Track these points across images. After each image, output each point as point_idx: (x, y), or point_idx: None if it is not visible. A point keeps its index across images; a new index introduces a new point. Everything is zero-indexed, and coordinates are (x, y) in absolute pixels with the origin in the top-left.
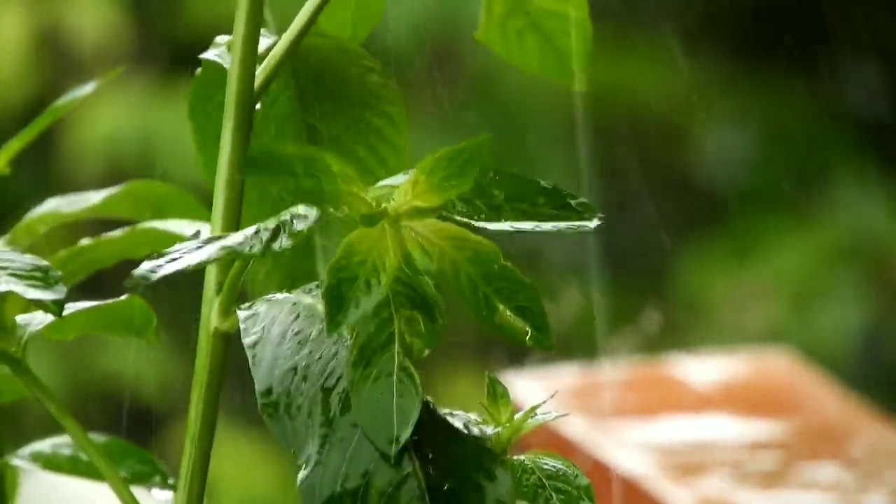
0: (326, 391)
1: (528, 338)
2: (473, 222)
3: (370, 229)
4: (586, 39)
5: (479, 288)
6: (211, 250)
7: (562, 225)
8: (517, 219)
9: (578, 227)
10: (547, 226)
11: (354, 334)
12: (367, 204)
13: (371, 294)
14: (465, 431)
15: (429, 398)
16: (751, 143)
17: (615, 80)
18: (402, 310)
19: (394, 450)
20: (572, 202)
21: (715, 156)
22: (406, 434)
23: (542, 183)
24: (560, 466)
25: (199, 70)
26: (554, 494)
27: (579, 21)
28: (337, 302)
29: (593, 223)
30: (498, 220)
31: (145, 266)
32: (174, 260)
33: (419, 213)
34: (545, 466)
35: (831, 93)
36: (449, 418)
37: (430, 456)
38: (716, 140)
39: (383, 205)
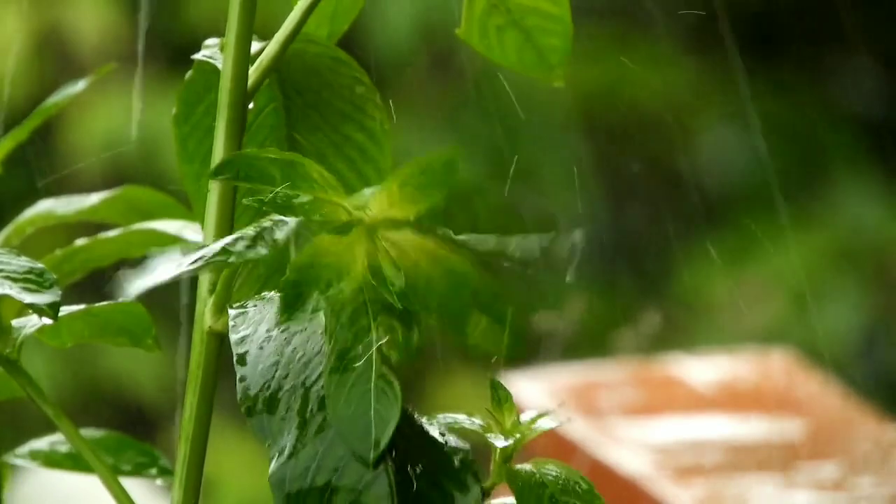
0: (306, 387)
1: (499, 350)
2: (454, 237)
3: (341, 238)
4: (566, 36)
5: (451, 302)
6: (188, 263)
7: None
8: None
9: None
10: (524, 253)
11: (333, 341)
12: (345, 212)
13: (328, 296)
14: (442, 440)
15: (406, 406)
16: (751, 143)
17: (615, 80)
18: (380, 318)
19: (373, 456)
20: (551, 245)
21: (715, 156)
22: (385, 440)
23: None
24: (571, 479)
25: (188, 74)
26: None
27: (559, 17)
28: (294, 298)
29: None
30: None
31: (126, 282)
32: (153, 275)
33: (394, 224)
34: (556, 480)
35: (831, 93)
36: (426, 426)
37: (404, 459)
38: (716, 140)
39: (358, 215)
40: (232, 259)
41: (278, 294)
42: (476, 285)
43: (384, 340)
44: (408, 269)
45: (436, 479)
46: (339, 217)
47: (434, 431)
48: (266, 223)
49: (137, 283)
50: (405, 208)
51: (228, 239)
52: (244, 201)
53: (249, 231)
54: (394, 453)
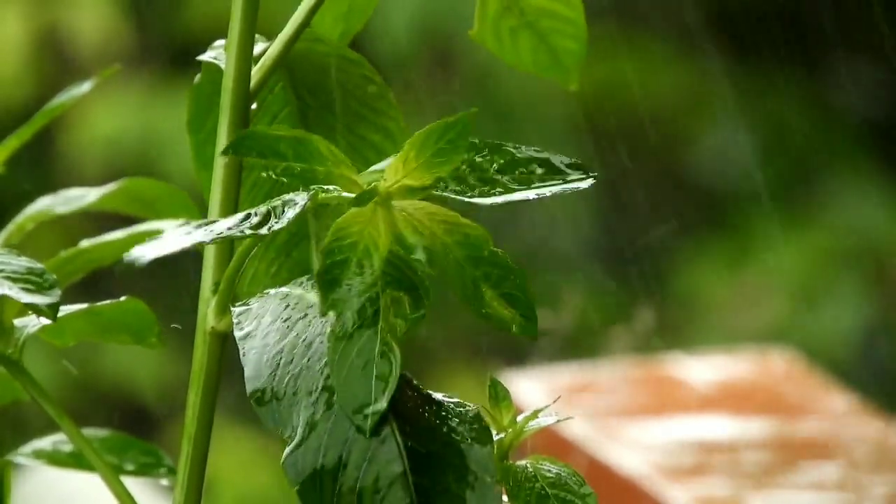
0: (310, 369)
1: (513, 325)
2: (466, 199)
3: (361, 211)
4: (580, 38)
5: (467, 272)
6: (199, 234)
7: (556, 189)
8: (510, 190)
9: (572, 188)
10: (540, 191)
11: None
12: (358, 185)
13: (363, 275)
14: (447, 402)
15: (411, 377)
16: (751, 143)
17: (615, 80)
18: (389, 289)
19: (370, 422)
20: (564, 165)
21: (715, 156)
22: (382, 406)
23: (533, 151)
24: (563, 473)
25: (197, 77)
26: None
27: (573, 20)
28: (329, 285)
29: (587, 183)
30: (491, 194)
31: (135, 251)
32: (162, 244)
33: (410, 191)
34: (548, 474)
35: (831, 93)
36: (433, 393)
37: (409, 420)
38: (716, 140)
39: (373, 185)
40: (243, 232)
41: (285, 288)
42: (488, 255)
43: (391, 311)
44: (426, 237)
45: (447, 439)
46: (353, 190)
47: (440, 396)
48: (276, 202)
49: (148, 252)
50: (422, 176)
51: (240, 215)
52: (262, 174)
53: (261, 208)
54: (399, 415)
